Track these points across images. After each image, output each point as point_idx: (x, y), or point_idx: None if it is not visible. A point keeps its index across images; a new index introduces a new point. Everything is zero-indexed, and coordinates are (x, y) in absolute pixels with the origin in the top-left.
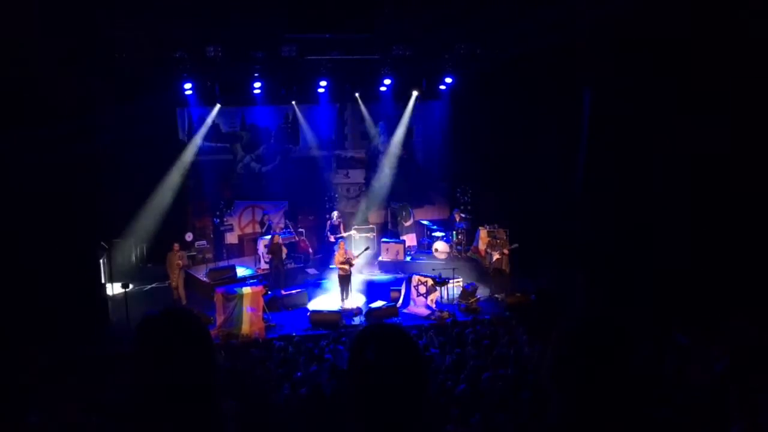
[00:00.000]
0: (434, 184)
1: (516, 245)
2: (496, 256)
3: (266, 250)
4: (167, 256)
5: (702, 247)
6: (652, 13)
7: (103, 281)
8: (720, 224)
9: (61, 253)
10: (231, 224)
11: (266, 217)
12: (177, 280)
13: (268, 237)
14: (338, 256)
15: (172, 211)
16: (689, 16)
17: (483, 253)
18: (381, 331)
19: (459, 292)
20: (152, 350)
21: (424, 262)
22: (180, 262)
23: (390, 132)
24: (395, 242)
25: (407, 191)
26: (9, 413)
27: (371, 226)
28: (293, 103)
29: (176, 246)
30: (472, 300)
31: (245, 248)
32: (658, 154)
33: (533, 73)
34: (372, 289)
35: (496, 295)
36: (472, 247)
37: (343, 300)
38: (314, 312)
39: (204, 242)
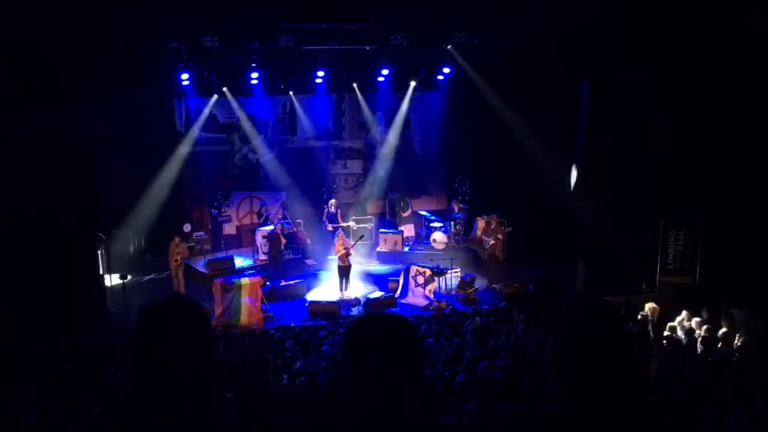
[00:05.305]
0: (432, 174)
1: (510, 228)
2: (490, 242)
3: (266, 240)
4: (169, 247)
5: (701, 236)
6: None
7: (101, 272)
8: (719, 216)
9: (58, 244)
10: (229, 215)
11: (263, 208)
12: (177, 270)
13: (266, 228)
14: (338, 246)
15: (170, 202)
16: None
17: (481, 243)
18: (379, 319)
19: (457, 283)
20: (153, 335)
21: (422, 252)
22: (179, 250)
23: (388, 122)
24: (393, 233)
25: (405, 182)
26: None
27: (369, 216)
28: (290, 93)
29: (177, 238)
30: (470, 290)
31: (243, 239)
32: (655, 143)
33: (531, 63)
34: (370, 280)
35: (494, 286)
36: (470, 238)
37: (341, 290)
38: (313, 303)
39: (202, 233)
